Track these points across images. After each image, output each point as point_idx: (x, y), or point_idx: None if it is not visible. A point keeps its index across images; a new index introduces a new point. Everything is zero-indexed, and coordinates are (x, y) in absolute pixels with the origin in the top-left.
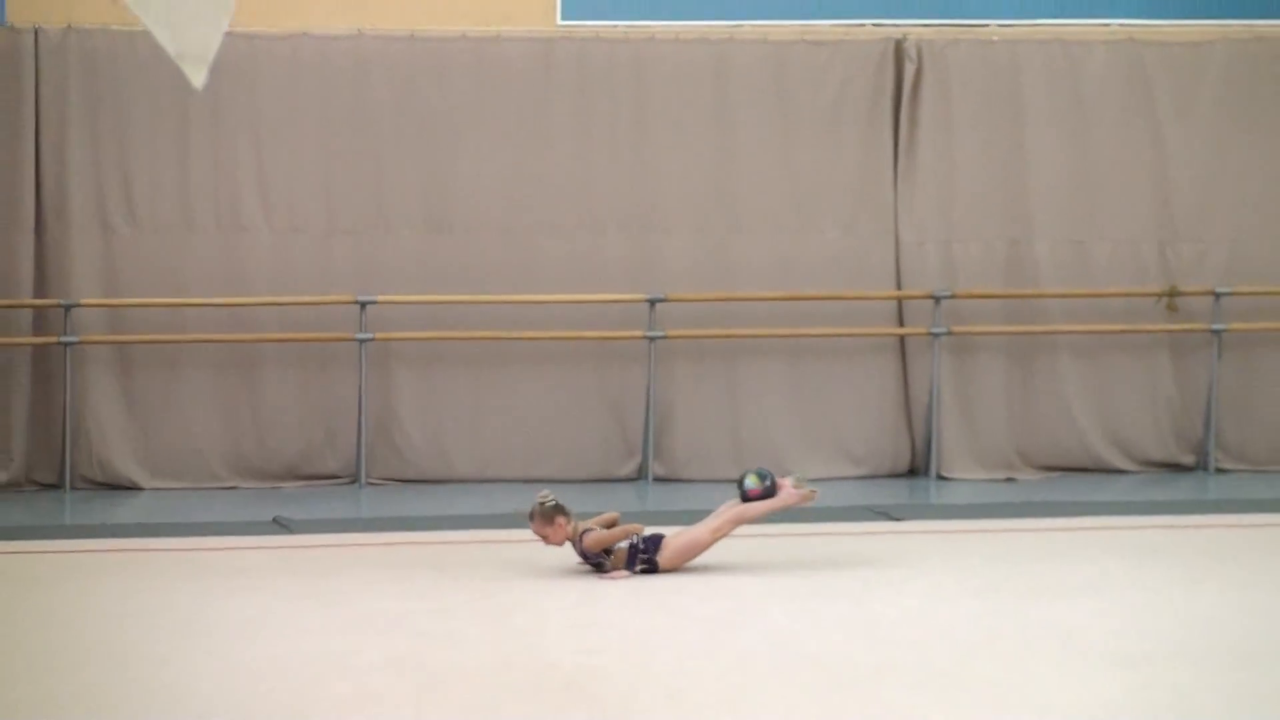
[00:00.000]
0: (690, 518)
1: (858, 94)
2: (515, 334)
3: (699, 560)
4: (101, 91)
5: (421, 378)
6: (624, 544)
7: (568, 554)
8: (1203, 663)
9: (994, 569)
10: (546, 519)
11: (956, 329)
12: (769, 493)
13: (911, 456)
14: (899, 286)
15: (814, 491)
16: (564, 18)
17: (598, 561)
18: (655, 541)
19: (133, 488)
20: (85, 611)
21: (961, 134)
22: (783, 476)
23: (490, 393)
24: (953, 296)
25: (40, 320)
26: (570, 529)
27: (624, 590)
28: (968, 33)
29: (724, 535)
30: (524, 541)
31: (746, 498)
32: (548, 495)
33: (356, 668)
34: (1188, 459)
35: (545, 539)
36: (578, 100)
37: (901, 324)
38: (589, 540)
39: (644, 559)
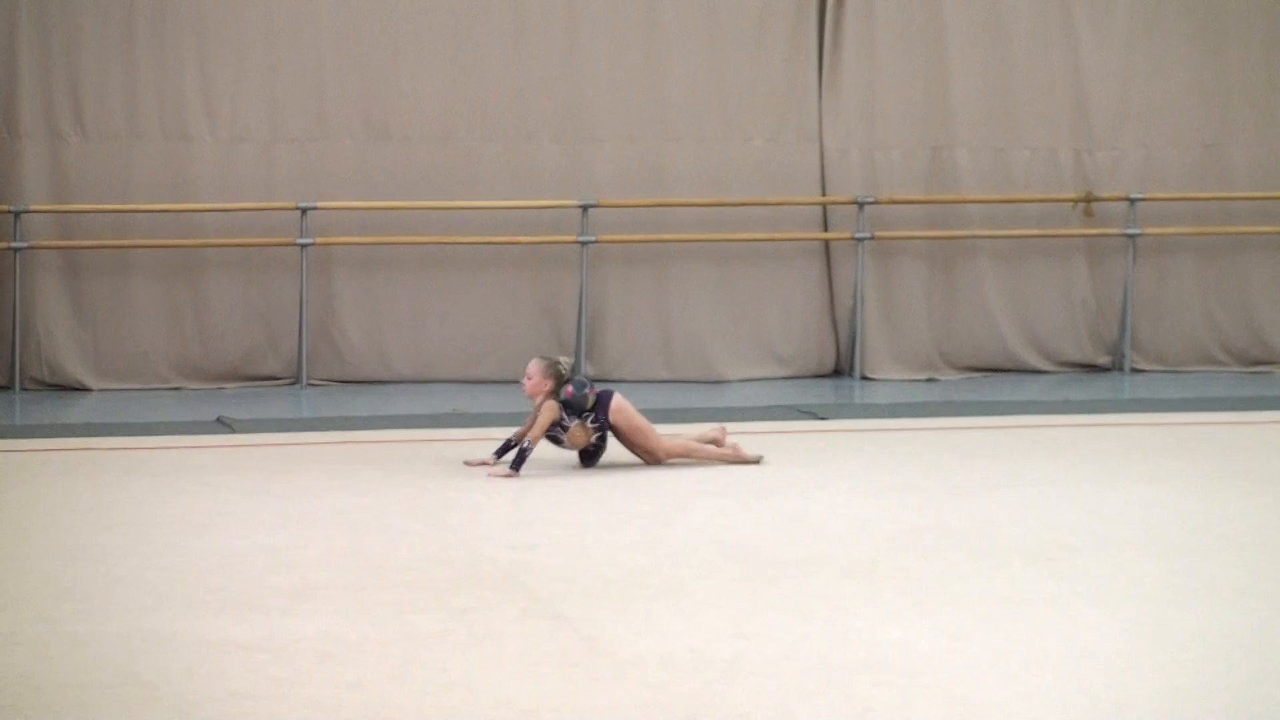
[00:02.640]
0: None
1: (783, 6)
2: (452, 239)
3: (632, 460)
4: (50, 2)
5: (361, 281)
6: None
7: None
8: (1114, 555)
9: (915, 466)
10: (550, 374)
11: (880, 234)
12: (582, 399)
13: (836, 357)
14: (824, 193)
15: (760, 458)
16: None
17: (553, 435)
18: (605, 403)
19: (81, 389)
20: (36, 508)
21: (884, 44)
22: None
23: (428, 296)
24: (875, 202)
25: None
26: (551, 405)
27: (559, 488)
28: None
29: (668, 459)
30: (461, 441)
31: (565, 401)
32: (569, 362)
33: (299, 561)
34: (1103, 359)
35: (528, 381)
36: (513, 13)
37: (826, 229)
38: (545, 410)
39: (595, 426)
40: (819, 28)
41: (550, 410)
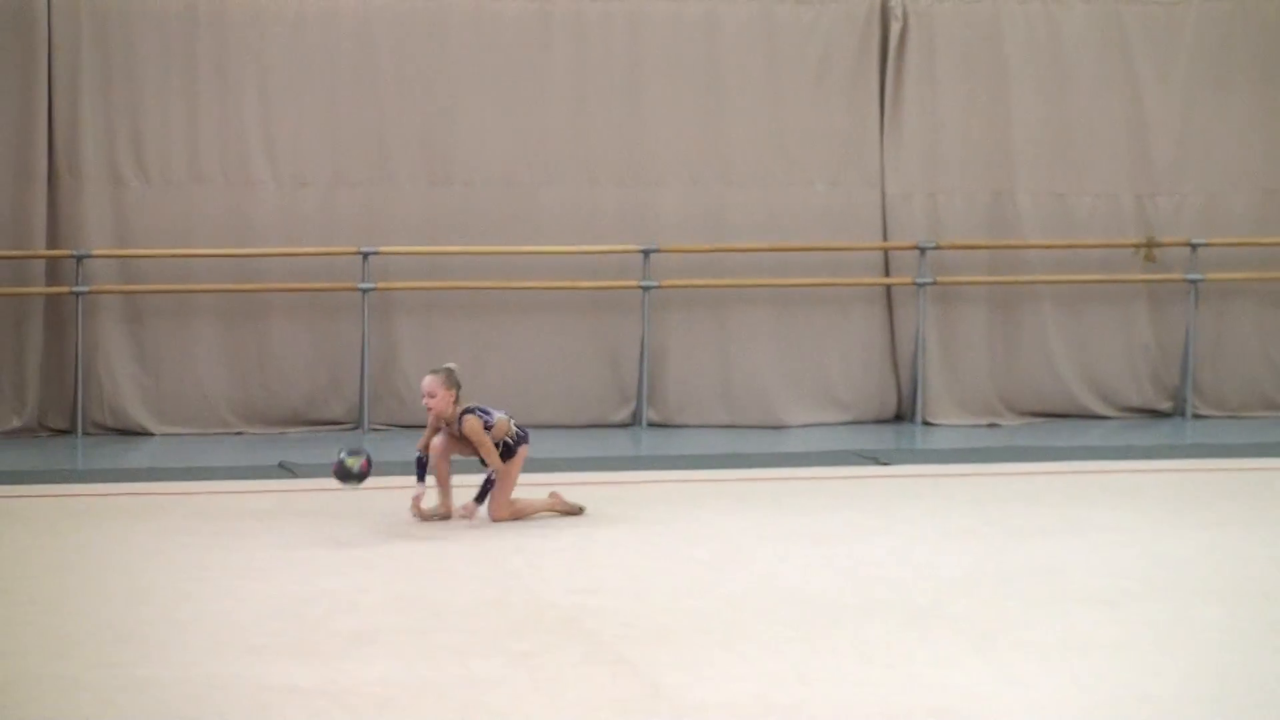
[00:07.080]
0: (683, 462)
1: (845, 51)
2: (513, 284)
3: (690, 503)
4: (113, 48)
5: (422, 326)
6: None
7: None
8: (1177, 600)
9: (976, 511)
10: (451, 384)
11: (941, 279)
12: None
13: (897, 402)
14: (885, 238)
15: (582, 508)
16: None
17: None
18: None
19: (143, 433)
20: (98, 553)
21: (945, 90)
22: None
23: (489, 341)
24: (937, 247)
25: (53, 271)
26: (452, 410)
27: (617, 533)
28: None
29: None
30: (521, 485)
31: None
32: (456, 367)
33: (362, 605)
34: (1165, 405)
35: (431, 400)
36: (575, 57)
37: (887, 274)
38: (470, 426)
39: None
40: (880, 72)
41: (475, 425)
